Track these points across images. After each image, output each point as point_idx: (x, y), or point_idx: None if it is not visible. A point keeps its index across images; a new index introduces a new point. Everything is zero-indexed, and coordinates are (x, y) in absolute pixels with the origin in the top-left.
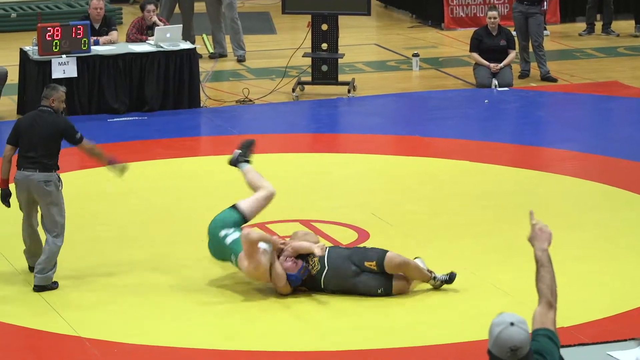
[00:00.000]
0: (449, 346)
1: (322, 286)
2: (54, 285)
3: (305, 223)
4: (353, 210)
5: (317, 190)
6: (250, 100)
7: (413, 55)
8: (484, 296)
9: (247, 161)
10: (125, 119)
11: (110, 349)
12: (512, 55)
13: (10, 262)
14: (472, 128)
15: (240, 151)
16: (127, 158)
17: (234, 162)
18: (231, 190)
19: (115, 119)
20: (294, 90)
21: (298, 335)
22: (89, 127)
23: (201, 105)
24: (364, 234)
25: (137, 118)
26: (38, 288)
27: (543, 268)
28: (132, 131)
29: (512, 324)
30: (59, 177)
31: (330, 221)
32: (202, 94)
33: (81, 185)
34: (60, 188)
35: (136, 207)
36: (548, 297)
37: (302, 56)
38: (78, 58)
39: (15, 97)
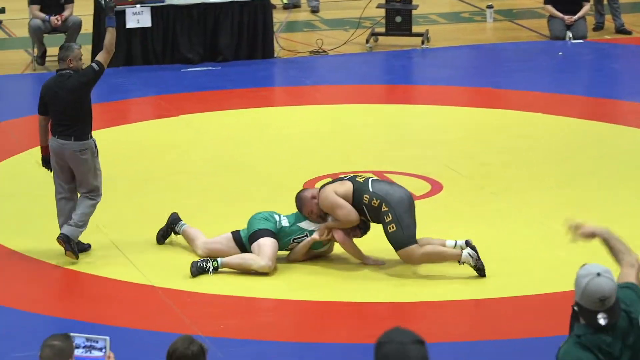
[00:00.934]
0: (525, 298)
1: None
2: (85, 245)
3: (378, 174)
4: (426, 161)
5: (390, 142)
6: (324, 51)
7: (487, 7)
8: (557, 248)
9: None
10: (199, 69)
11: (183, 298)
12: (587, 7)
13: None
14: (545, 80)
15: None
16: (200, 108)
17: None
18: (304, 141)
19: (189, 69)
20: (367, 41)
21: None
22: (162, 77)
23: (275, 55)
24: (437, 186)
25: (210, 68)
26: (64, 236)
27: (609, 241)
28: (206, 81)
29: (598, 274)
30: (94, 143)
31: (403, 172)
32: (275, 45)
33: (156, 135)
34: (96, 154)
35: (209, 157)
36: (625, 259)
37: (376, 7)
38: (152, 8)
39: (90, 47)
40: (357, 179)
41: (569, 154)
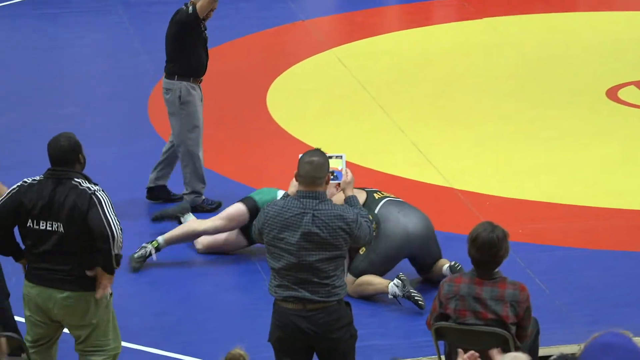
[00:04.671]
0: None
1: None
2: (204, 205)
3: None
4: None
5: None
6: None
7: None
8: None
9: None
10: None
11: (482, 201)
12: None
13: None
14: None
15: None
16: (503, 11)
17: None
18: (607, 47)
19: None
20: None
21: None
22: None
23: None
24: None
25: None
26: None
27: None
28: None
29: None
30: (186, 86)
31: None
32: None
33: (459, 37)
34: (181, 97)
35: (511, 60)
36: None
37: None
38: None
39: None
40: (374, 193)
41: None
